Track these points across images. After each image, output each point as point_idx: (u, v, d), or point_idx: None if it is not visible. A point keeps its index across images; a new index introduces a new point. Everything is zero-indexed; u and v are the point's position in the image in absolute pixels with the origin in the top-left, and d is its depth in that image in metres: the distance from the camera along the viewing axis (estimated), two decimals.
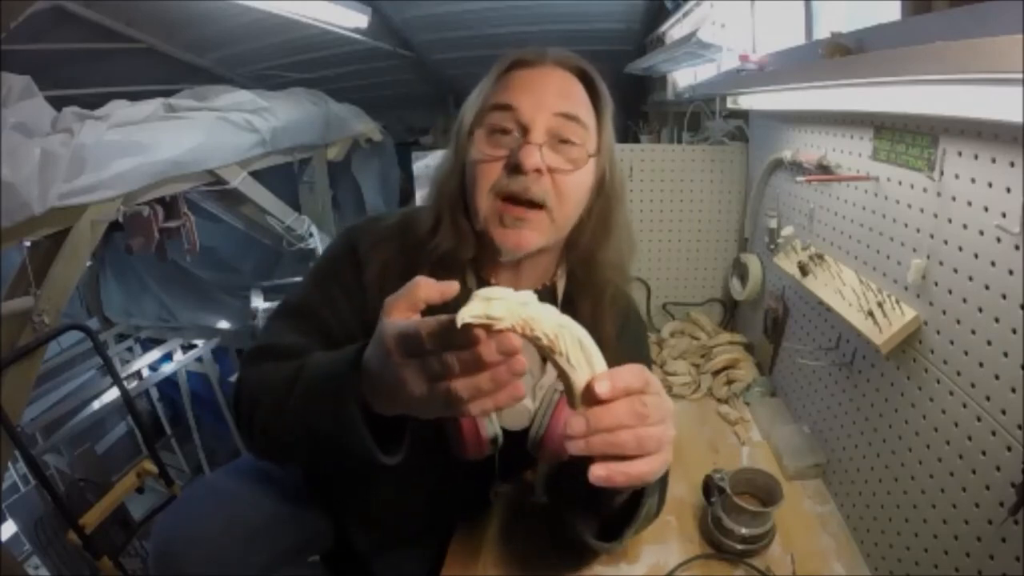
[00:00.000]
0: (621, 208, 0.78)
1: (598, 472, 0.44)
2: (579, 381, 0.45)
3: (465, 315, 0.41)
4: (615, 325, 0.81)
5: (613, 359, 0.78)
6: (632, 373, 0.46)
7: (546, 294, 0.82)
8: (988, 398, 0.64)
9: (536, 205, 0.68)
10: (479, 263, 0.78)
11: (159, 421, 3.13)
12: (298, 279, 2.06)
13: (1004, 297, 0.62)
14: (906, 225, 0.80)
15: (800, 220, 1.15)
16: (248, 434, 0.70)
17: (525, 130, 0.67)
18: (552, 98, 0.68)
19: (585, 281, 0.79)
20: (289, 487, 0.88)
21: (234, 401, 0.72)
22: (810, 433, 1.10)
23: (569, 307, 0.80)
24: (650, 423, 0.46)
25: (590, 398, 0.44)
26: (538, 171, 0.66)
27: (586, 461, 0.48)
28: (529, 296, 0.43)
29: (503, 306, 0.41)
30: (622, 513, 0.65)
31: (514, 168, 0.66)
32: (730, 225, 1.61)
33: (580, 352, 0.44)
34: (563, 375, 0.45)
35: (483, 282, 0.79)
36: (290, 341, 0.73)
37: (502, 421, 0.74)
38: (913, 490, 0.77)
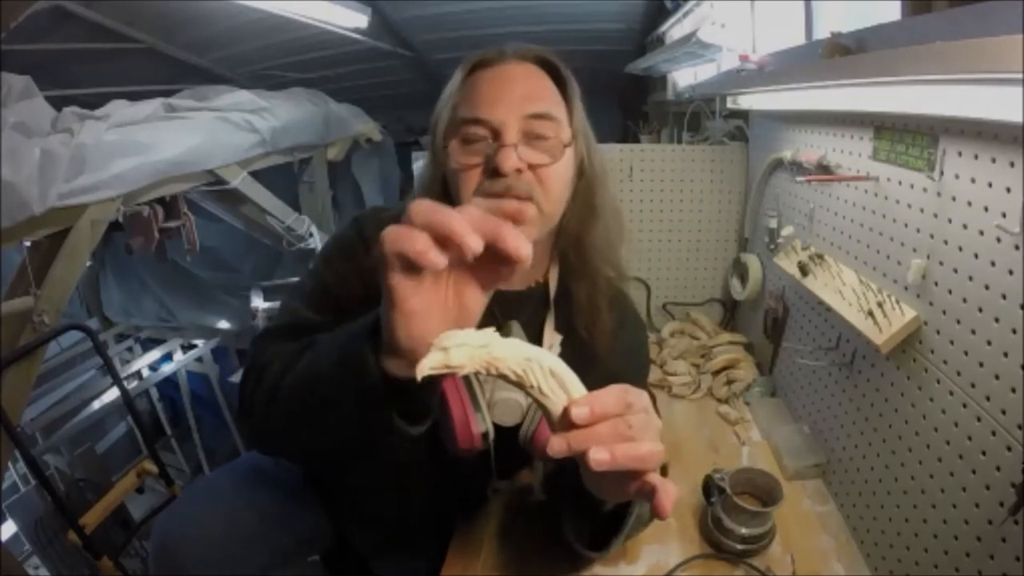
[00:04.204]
0: (604, 189, 0.78)
1: (599, 456, 0.41)
2: (556, 409, 0.44)
3: (424, 367, 0.40)
4: (612, 317, 0.81)
5: (610, 353, 0.78)
6: (612, 397, 0.44)
7: (538, 291, 0.82)
8: (988, 398, 0.64)
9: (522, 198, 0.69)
10: None
11: (159, 421, 3.13)
12: (298, 279, 2.06)
13: (1004, 297, 0.62)
14: (906, 225, 0.80)
15: (800, 220, 1.15)
16: (249, 410, 0.66)
17: (497, 134, 0.67)
18: (518, 101, 0.68)
19: (577, 267, 0.79)
20: (289, 487, 0.88)
21: (242, 379, 0.69)
22: (810, 433, 1.10)
23: (564, 299, 0.80)
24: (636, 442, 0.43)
25: (568, 424, 0.43)
26: (518, 171, 0.67)
27: (578, 463, 0.47)
28: (490, 336, 0.42)
29: (463, 353, 0.40)
30: (612, 519, 0.65)
31: (493, 172, 0.67)
32: (730, 225, 1.61)
33: (553, 380, 0.43)
34: (540, 405, 0.45)
35: None
36: (305, 316, 0.73)
37: (494, 417, 0.74)
38: (913, 490, 0.77)
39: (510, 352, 0.43)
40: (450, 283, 0.45)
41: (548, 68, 0.73)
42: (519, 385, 0.44)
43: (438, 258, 0.40)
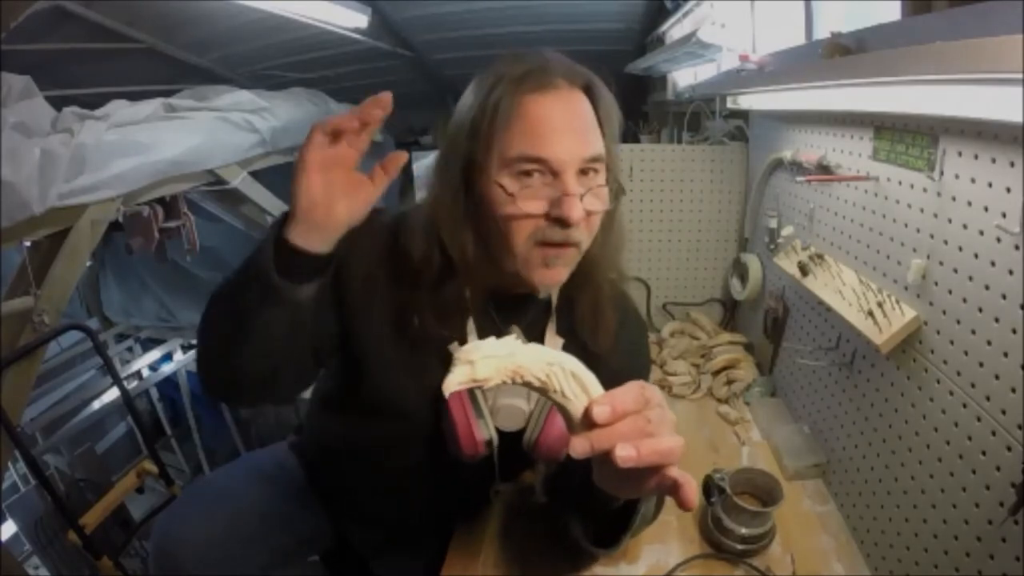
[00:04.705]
0: (619, 207, 0.77)
1: (625, 452, 0.41)
2: (577, 411, 0.44)
3: (452, 384, 0.40)
4: (614, 317, 0.80)
5: (613, 352, 0.78)
6: (631, 394, 0.44)
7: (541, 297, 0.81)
8: (988, 398, 0.64)
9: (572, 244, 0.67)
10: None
11: (159, 421, 3.13)
12: None
13: (1004, 297, 0.62)
14: (906, 225, 0.80)
15: (800, 220, 1.15)
16: (200, 345, 0.67)
17: (555, 174, 0.64)
18: (578, 141, 0.65)
19: (583, 274, 0.78)
20: (289, 487, 0.88)
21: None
22: (810, 433, 1.10)
23: (566, 304, 0.80)
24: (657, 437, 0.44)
25: (590, 424, 0.43)
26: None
27: (584, 463, 0.47)
28: (513, 344, 0.42)
29: (489, 365, 0.41)
30: (618, 517, 0.65)
31: (558, 221, 0.64)
32: (730, 225, 1.61)
33: (574, 383, 0.44)
34: (561, 408, 0.45)
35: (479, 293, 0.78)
36: None
37: (497, 423, 0.74)
38: (913, 490, 0.77)
39: (534, 358, 0.43)
40: (350, 181, 0.57)
41: (590, 94, 0.69)
42: (542, 391, 0.44)
43: (347, 122, 0.55)
